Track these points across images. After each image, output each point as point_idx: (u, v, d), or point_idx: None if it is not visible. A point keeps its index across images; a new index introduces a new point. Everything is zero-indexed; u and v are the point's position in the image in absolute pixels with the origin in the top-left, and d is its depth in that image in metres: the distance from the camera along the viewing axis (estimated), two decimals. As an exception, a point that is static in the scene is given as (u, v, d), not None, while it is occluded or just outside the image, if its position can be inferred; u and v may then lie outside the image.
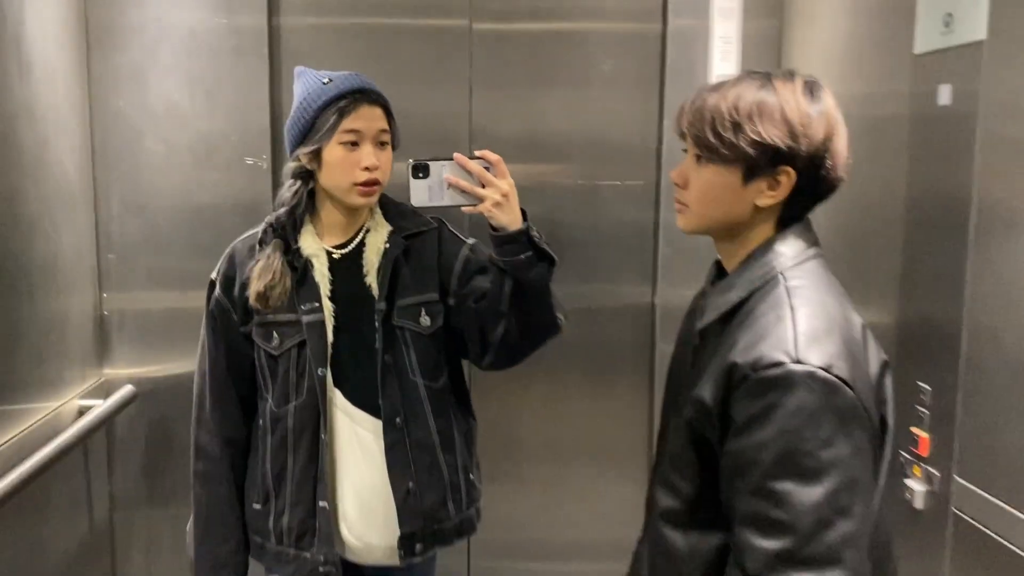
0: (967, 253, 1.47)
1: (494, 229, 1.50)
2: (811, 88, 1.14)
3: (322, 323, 1.57)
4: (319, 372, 1.57)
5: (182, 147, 2.19)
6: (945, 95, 1.52)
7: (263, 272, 1.55)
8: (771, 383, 1.03)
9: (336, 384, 1.60)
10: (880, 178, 1.74)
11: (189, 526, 1.71)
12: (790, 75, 1.15)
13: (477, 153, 1.51)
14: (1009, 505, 1.37)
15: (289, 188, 1.61)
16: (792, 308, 1.09)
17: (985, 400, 1.45)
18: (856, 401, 1.04)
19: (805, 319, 1.08)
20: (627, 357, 2.46)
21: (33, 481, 1.70)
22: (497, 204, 1.48)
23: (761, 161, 1.11)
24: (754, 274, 1.15)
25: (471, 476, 1.72)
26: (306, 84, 1.58)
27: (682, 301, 2.23)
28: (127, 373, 2.24)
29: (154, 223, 2.21)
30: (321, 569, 1.60)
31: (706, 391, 1.13)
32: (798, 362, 1.03)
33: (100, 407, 2.02)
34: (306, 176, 1.60)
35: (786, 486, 1.01)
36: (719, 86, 1.15)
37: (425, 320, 1.63)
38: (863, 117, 1.78)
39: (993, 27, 1.41)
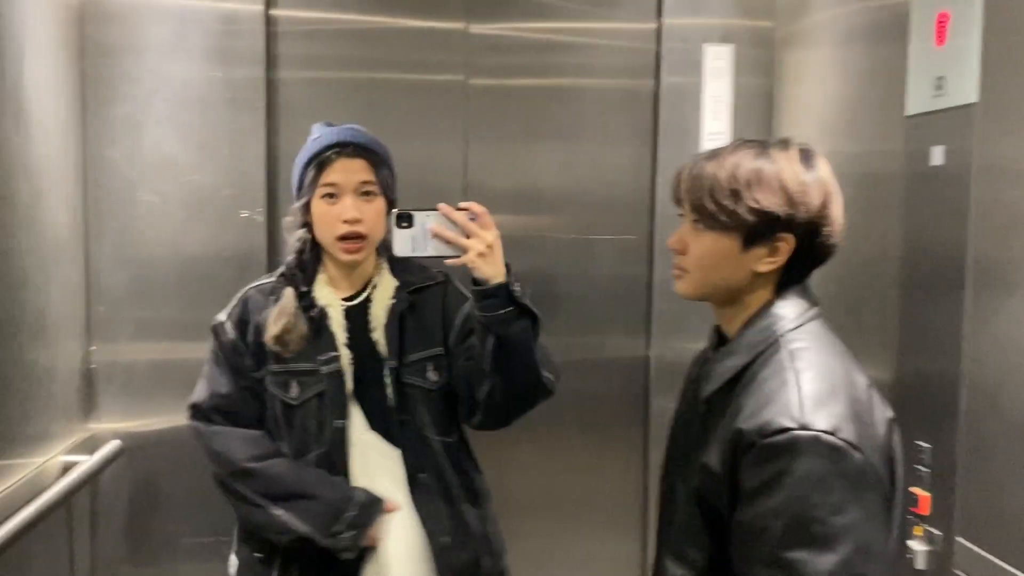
0: (963, 312, 1.48)
1: (476, 283, 1.47)
2: (807, 156, 1.16)
3: (340, 373, 1.57)
4: (336, 423, 1.56)
5: (175, 199, 2.18)
6: (938, 156, 1.54)
7: (279, 317, 1.56)
8: (778, 449, 1.03)
9: (358, 433, 1.59)
10: (874, 236, 1.76)
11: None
12: (785, 143, 1.17)
13: (462, 205, 1.49)
14: (1015, 567, 1.36)
15: (295, 237, 1.63)
16: (796, 371, 1.09)
17: (987, 460, 1.44)
18: (865, 464, 1.04)
19: (809, 382, 1.07)
20: (621, 410, 2.44)
21: (15, 543, 1.65)
22: (481, 255, 1.46)
23: (760, 228, 1.13)
24: (755, 339, 1.15)
25: (498, 527, 1.72)
26: (306, 140, 1.62)
27: (675, 354, 2.30)
28: (114, 427, 2.19)
29: (145, 275, 2.19)
30: None
31: (713, 458, 1.12)
32: (804, 427, 1.03)
33: (85, 464, 1.97)
34: (308, 226, 1.62)
35: (799, 555, 1.00)
36: (716, 154, 1.16)
37: (432, 375, 1.63)
38: (856, 175, 1.81)
39: (985, 90, 1.43)
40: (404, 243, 1.50)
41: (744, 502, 1.06)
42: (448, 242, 1.48)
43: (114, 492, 2.21)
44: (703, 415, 1.22)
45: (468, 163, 2.33)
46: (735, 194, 1.12)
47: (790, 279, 1.18)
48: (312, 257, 1.63)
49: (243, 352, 1.60)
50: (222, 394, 1.60)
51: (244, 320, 1.61)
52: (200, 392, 1.62)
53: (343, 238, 1.56)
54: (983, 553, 1.43)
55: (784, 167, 1.12)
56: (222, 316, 1.64)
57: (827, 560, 0.99)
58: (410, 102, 2.29)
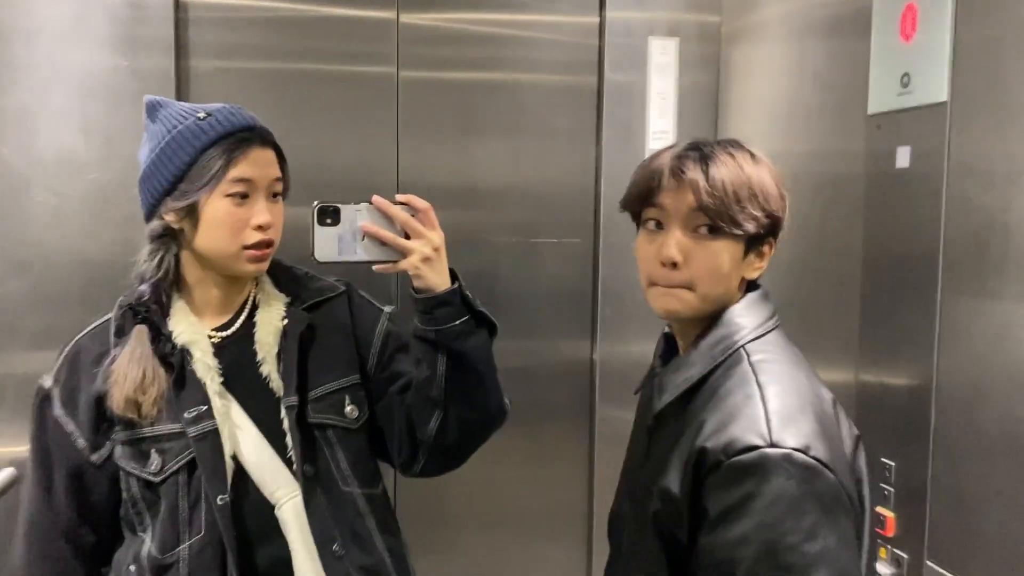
0: (935, 321, 1.41)
1: (417, 292, 1.25)
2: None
3: (215, 432, 1.22)
4: (219, 500, 1.21)
5: (76, 199, 1.98)
6: (904, 157, 1.47)
7: (128, 370, 1.21)
8: (746, 469, 0.96)
9: (244, 511, 1.25)
10: (833, 239, 1.69)
11: None
12: (739, 143, 1.13)
13: (400, 198, 1.25)
14: (990, 592, 1.30)
15: (150, 256, 1.28)
16: (760, 385, 1.03)
17: (958, 479, 1.37)
18: (838, 485, 0.97)
19: (775, 397, 1.01)
20: (566, 415, 2.34)
21: None
22: (426, 259, 1.22)
23: (765, 233, 1.10)
24: (714, 348, 1.09)
25: None
26: (171, 120, 1.28)
27: (621, 358, 2.20)
28: (7, 452, 1.96)
29: (44, 282, 1.98)
30: None
31: (672, 481, 1.04)
32: (773, 445, 0.96)
33: (-29, 497, 1.76)
34: (170, 239, 1.29)
35: None
36: (711, 158, 1.08)
37: (352, 411, 1.34)
38: (813, 175, 1.74)
39: (956, 88, 1.36)
40: (328, 244, 1.23)
41: (709, 528, 0.98)
42: (384, 243, 1.24)
43: (8, 529, 1.99)
44: (651, 431, 1.14)
45: (400, 160, 2.19)
46: (752, 199, 1.07)
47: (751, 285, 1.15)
48: (171, 282, 1.29)
49: (71, 431, 1.25)
50: (42, 510, 1.28)
51: (72, 387, 1.25)
52: (24, 501, 1.30)
53: (252, 246, 1.25)
54: (954, 576, 1.37)
55: (772, 171, 1.11)
56: (47, 381, 1.27)
57: (802, 590, 0.91)
58: (337, 95, 2.14)
